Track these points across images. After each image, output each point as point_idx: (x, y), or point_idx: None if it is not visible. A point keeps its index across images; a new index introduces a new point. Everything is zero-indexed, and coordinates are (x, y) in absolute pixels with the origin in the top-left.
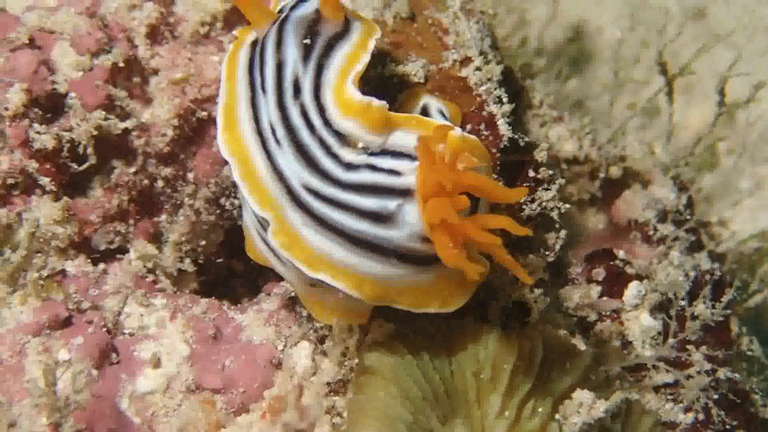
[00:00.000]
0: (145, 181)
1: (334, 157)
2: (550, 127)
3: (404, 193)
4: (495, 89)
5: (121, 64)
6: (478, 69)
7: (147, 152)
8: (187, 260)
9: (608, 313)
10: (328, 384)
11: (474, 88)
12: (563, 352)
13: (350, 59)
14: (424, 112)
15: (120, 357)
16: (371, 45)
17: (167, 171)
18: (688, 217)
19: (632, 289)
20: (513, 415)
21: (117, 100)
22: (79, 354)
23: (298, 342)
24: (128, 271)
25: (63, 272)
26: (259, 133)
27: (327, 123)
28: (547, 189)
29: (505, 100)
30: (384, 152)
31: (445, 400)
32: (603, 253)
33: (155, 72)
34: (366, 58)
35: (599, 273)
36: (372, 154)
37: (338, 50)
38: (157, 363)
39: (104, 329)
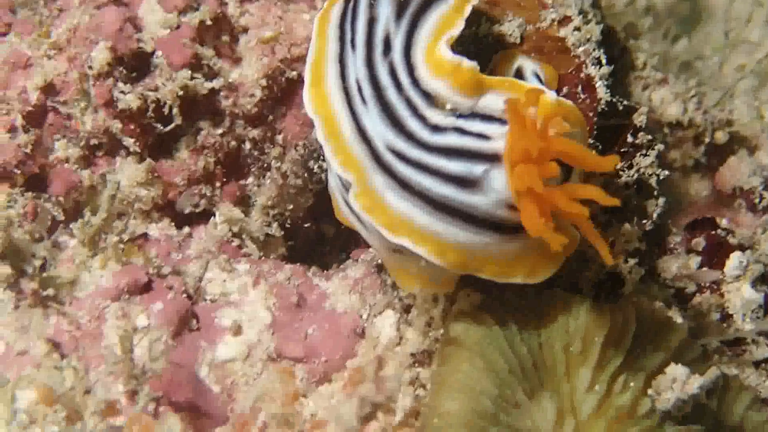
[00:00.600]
0: (233, 143)
1: (421, 118)
2: (653, 90)
3: (492, 158)
4: (594, 50)
5: (209, 22)
6: (577, 29)
7: (234, 113)
8: (275, 224)
9: (708, 285)
10: (413, 355)
11: (572, 49)
12: (658, 325)
13: (446, 22)
14: (519, 74)
15: (200, 324)
16: (467, 10)
17: (255, 133)
18: None
19: (734, 260)
20: (603, 389)
21: (204, 59)
22: (158, 320)
23: (383, 311)
24: (213, 235)
25: (145, 236)
26: (346, 90)
27: (415, 82)
28: (645, 155)
29: (604, 61)
30: (474, 115)
31: (533, 373)
32: (704, 221)
33: (245, 30)
34: (461, 24)
35: (699, 242)
36: (461, 116)
37: (434, 10)
38: (238, 330)
39: (185, 295)
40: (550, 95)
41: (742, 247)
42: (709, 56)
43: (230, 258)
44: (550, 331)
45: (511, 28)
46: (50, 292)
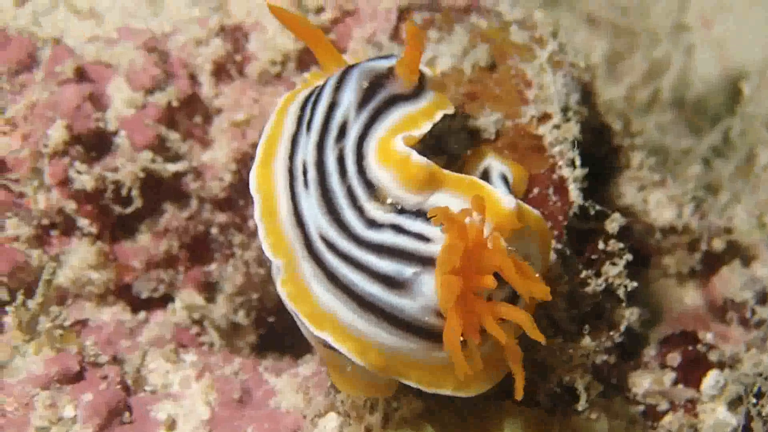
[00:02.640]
0: (200, 227)
1: (359, 210)
2: (649, 192)
3: (426, 261)
4: (569, 151)
5: (176, 103)
6: (556, 127)
7: (202, 197)
8: (241, 312)
9: (681, 403)
10: None
11: (548, 148)
12: None
13: (409, 121)
14: (486, 174)
15: (134, 416)
16: (437, 116)
17: (223, 217)
18: None
19: (710, 379)
20: None
21: (168, 142)
22: (86, 412)
23: (327, 413)
24: (169, 322)
25: (86, 322)
26: (291, 171)
27: (361, 171)
28: (614, 264)
29: (578, 163)
30: (418, 213)
31: None
32: (682, 335)
33: (219, 112)
34: (426, 128)
35: (675, 358)
36: (403, 212)
37: (400, 108)
38: (172, 425)
39: (120, 386)
40: (507, 203)
41: (721, 365)
42: (728, 154)
43: (187, 347)
44: None
45: (487, 123)
46: None
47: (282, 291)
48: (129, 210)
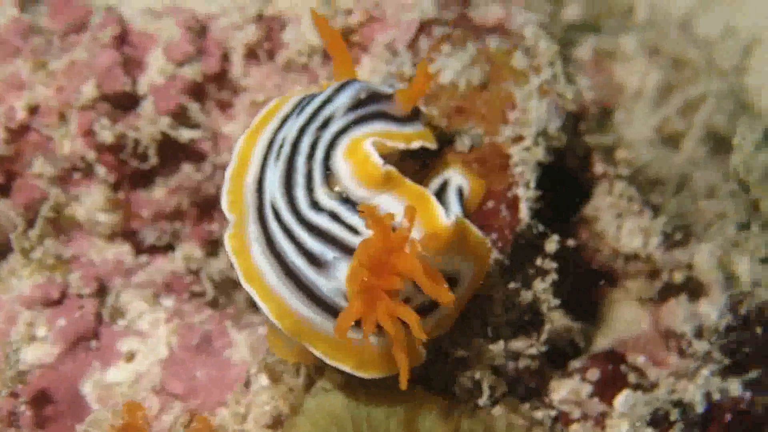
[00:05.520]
0: (211, 190)
1: (310, 190)
2: (625, 219)
3: (348, 250)
4: (529, 172)
5: (200, 78)
6: (526, 149)
7: (216, 164)
8: None
9: (593, 415)
10: (273, 417)
11: (511, 167)
12: None
13: (387, 134)
14: (445, 185)
15: (100, 345)
16: (415, 145)
17: None
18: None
19: (623, 397)
20: None
21: (189, 111)
22: (56, 335)
23: (271, 371)
24: (165, 269)
25: (80, 257)
26: (270, 144)
27: (326, 158)
28: (543, 280)
29: (532, 185)
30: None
31: None
32: (611, 354)
33: (245, 90)
34: (400, 146)
35: (594, 373)
36: (346, 202)
37: (384, 123)
38: (131, 358)
39: (95, 317)
40: (443, 220)
41: (640, 388)
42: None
43: (173, 293)
44: (399, 424)
45: (464, 137)
46: None
47: (227, 243)
48: (146, 166)
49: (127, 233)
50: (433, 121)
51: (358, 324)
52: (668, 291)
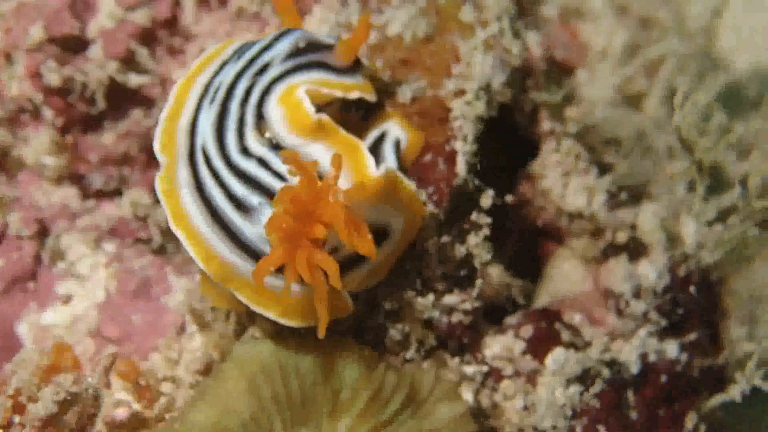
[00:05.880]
0: None
1: (240, 135)
2: (571, 178)
3: (273, 197)
4: (468, 126)
5: (149, 24)
6: (467, 104)
7: None
8: None
9: (525, 372)
10: (204, 363)
11: (451, 121)
12: (436, 398)
13: (324, 82)
14: (382, 136)
15: (38, 287)
16: (353, 95)
17: None
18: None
19: (555, 355)
20: None
21: (139, 56)
22: None
23: (200, 318)
24: (114, 215)
25: (22, 198)
26: (207, 87)
27: (260, 104)
28: (476, 235)
29: (470, 139)
30: None
31: (299, 408)
32: (544, 312)
33: (196, 37)
34: (337, 94)
35: (528, 330)
36: (276, 148)
37: (322, 72)
38: (68, 300)
39: (34, 259)
40: (372, 170)
41: (573, 346)
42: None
43: (117, 238)
44: (326, 373)
45: (406, 89)
46: None
47: (157, 184)
48: (94, 111)
49: (74, 177)
50: (376, 73)
51: (282, 271)
52: (611, 251)
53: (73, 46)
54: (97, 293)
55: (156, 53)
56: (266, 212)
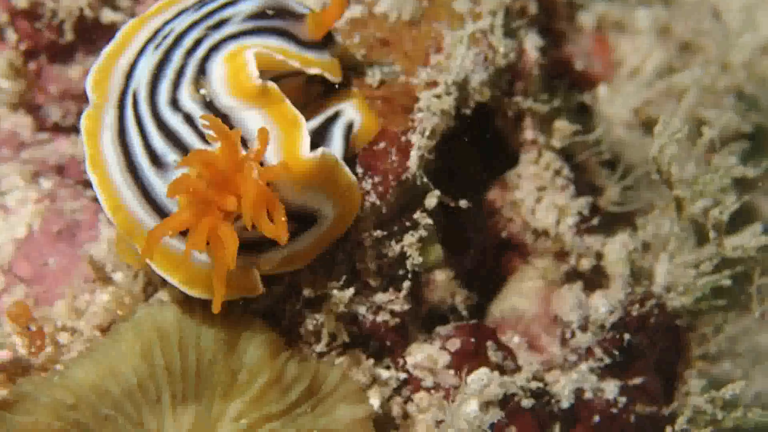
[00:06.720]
0: None
1: (174, 86)
2: (546, 194)
3: None
4: (429, 120)
5: None
6: (436, 97)
7: None
8: None
9: (444, 386)
10: (106, 320)
11: (414, 112)
12: (338, 396)
13: (284, 51)
14: (335, 116)
15: None
16: (312, 71)
17: None
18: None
19: (476, 375)
20: (246, 426)
21: None
22: None
23: (116, 271)
24: (65, 152)
25: None
26: (156, 32)
27: (206, 58)
28: (412, 235)
29: (427, 134)
30: (219, 116)
31: (193, 381)
32: (477, 327)
33: None
34: (294, 65)
35: (454, 343)
36: (207, 107)
37: (283, 41)
38: None
39: None
40: (305, 151)
41: (499, 369)
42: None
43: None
44: (227, 351)
45: (376, 71)
46: None
47: (82, 122)
48: (62, 41)
49: (31, 107)
50: (349, 49)
51: (184, 233)
52: (574, 276)
53: None
54: (18, 228)
55: None
56: (180, 172)
